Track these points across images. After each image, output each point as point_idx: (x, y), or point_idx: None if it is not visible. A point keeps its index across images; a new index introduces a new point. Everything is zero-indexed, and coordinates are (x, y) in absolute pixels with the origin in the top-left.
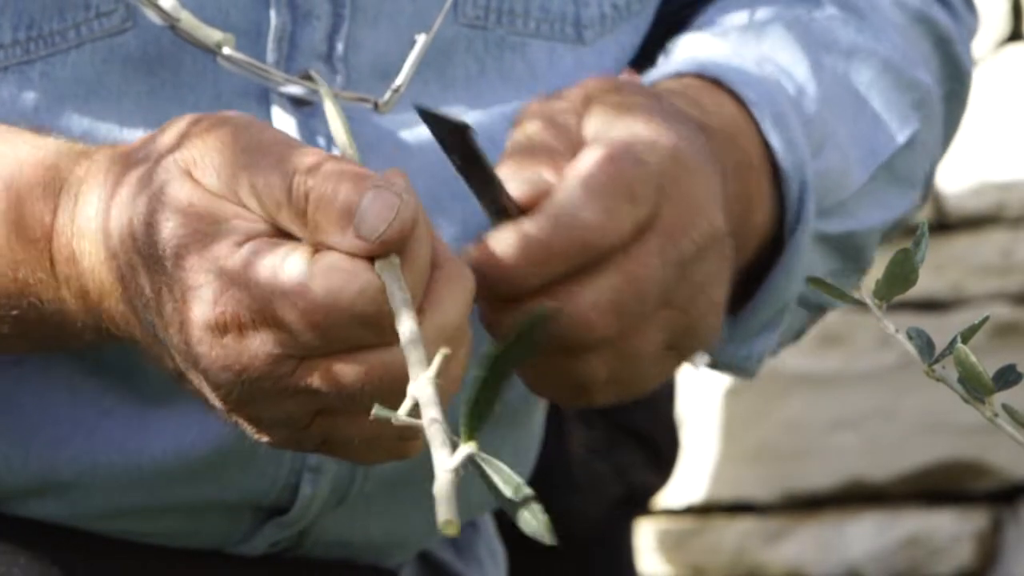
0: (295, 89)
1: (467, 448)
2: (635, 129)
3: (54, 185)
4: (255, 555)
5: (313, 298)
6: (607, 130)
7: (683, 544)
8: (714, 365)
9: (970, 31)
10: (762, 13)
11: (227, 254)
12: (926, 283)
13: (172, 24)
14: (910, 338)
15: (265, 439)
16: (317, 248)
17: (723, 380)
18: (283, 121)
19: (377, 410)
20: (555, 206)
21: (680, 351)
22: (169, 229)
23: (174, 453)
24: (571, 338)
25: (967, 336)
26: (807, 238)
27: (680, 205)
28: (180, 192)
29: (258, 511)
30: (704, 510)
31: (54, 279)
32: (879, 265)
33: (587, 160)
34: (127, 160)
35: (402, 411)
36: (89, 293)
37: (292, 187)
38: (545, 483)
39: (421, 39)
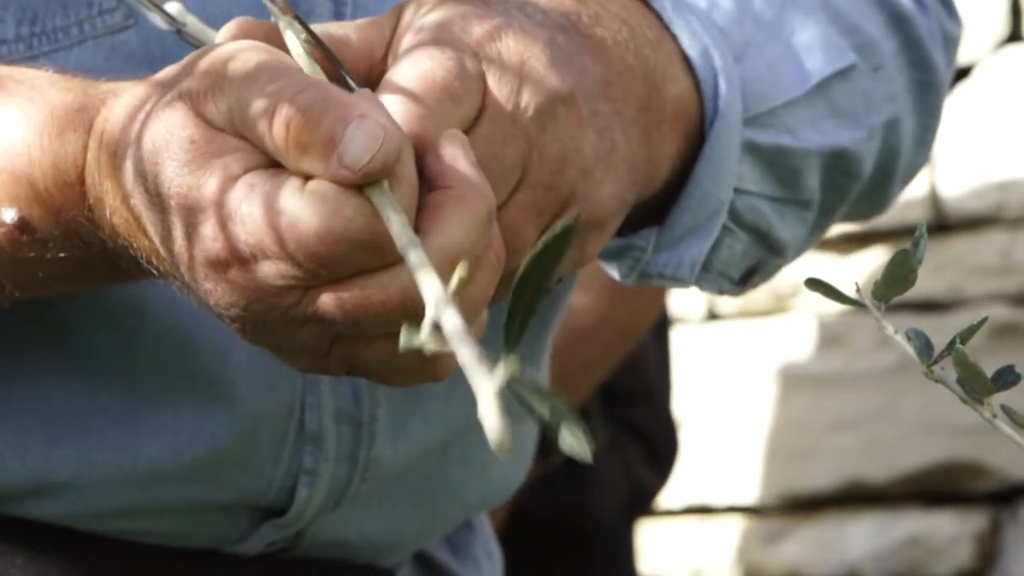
0: None
1: (508, 367)
2: (449, 23)
3: (84, 127)
4: (252, 555)
5: (307, 227)
6: (420, 27)
7: (683, 544)
8: (646, 276)
9: (943, 29)
10: None
11: (223, 189)
12: (925, 284)
13: (178, 29)
14: (909, 339)
15: (294, 368)
16: (307, 178)
17: (723, 380)
18: None
19: (404, 339)
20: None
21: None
22: (171, 168)
23: (170, 453)
24: None
25: (966, 337)
26: (732, 136)
27: (505, 82)
28: (183, 129)
29: (255, 512)
30: (704, 510)
31: (91, 221)
32: (879, 266)
33: (402, 70)
34: (143, 94)
35: (424, 334)
36: (120, 234)
37: (273, 119)
38: (569, 479)
39: None
